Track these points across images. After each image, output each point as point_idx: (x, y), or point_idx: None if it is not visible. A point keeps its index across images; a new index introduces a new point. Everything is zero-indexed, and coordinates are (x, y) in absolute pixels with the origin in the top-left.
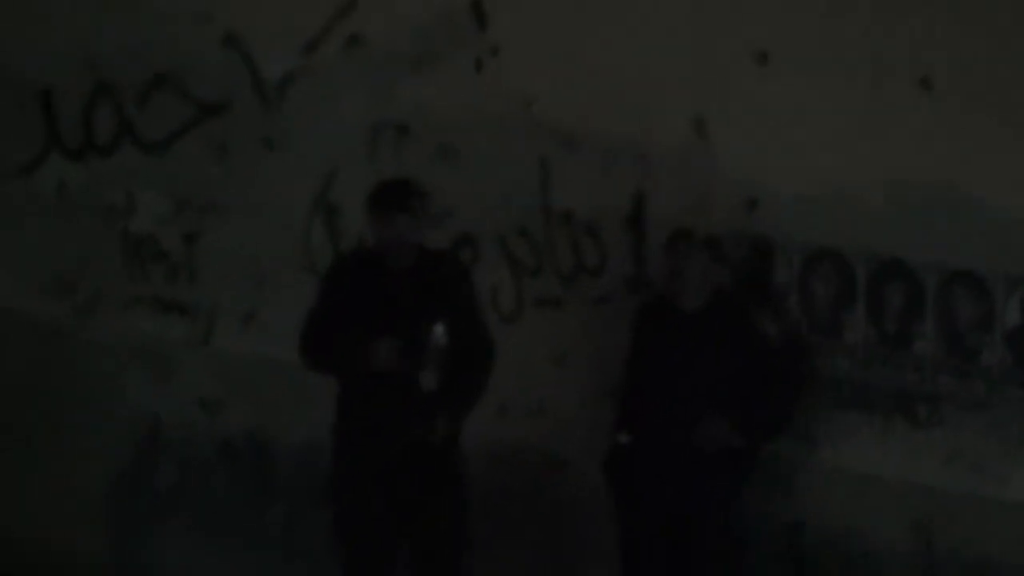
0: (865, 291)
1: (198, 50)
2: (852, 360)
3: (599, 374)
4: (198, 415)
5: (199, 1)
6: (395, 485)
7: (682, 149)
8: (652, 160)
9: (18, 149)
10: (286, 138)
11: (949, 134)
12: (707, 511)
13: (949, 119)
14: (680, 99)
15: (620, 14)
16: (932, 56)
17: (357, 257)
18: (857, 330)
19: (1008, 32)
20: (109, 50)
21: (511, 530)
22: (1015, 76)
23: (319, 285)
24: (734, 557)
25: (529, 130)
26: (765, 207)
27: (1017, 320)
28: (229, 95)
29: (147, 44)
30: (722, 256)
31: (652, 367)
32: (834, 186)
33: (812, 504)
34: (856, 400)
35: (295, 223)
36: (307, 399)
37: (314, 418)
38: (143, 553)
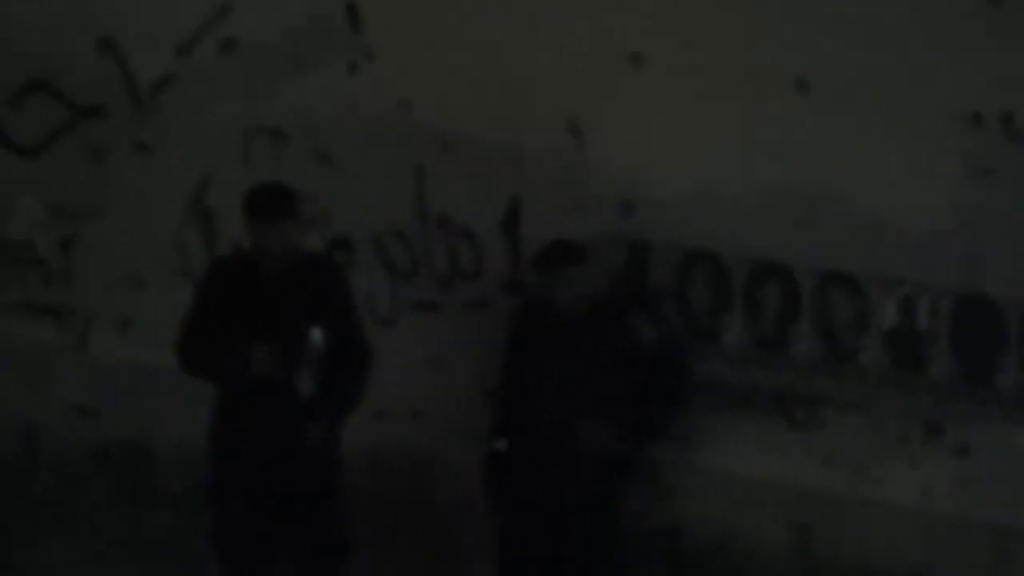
0: (742, 294)
1: (72, 54)
2: (730, 363)
3: (476, 377)
4: (75, 422)
5: (73, 5)
6: (273, 490)
7: (557, 152)
8: (527, 163)
9: None
10: (161, 142)
11: (825, 136)
12: (585, 515)
13: (824, 121)
14: (555, 102)
15: (495, 17)
16: (808, 58)
17: (232, 261)
18: (734, 333)
19: (883, 35)
20: None
21: (389, 532)
22: (889, 78)
23: (195, 290)
24: (613, 561)
25: (405, 134)
26: (641, 210)
27: (894, 321)
28: (103, 99)
29: (21, 49)
30: (596, 263)
31: (530, 371)
32: (710, 188)
33: (691, 507)
34: (734, 403)
35: (170, 227)
36: (185, 404)
37: (192, 424)
38: (21, 560)
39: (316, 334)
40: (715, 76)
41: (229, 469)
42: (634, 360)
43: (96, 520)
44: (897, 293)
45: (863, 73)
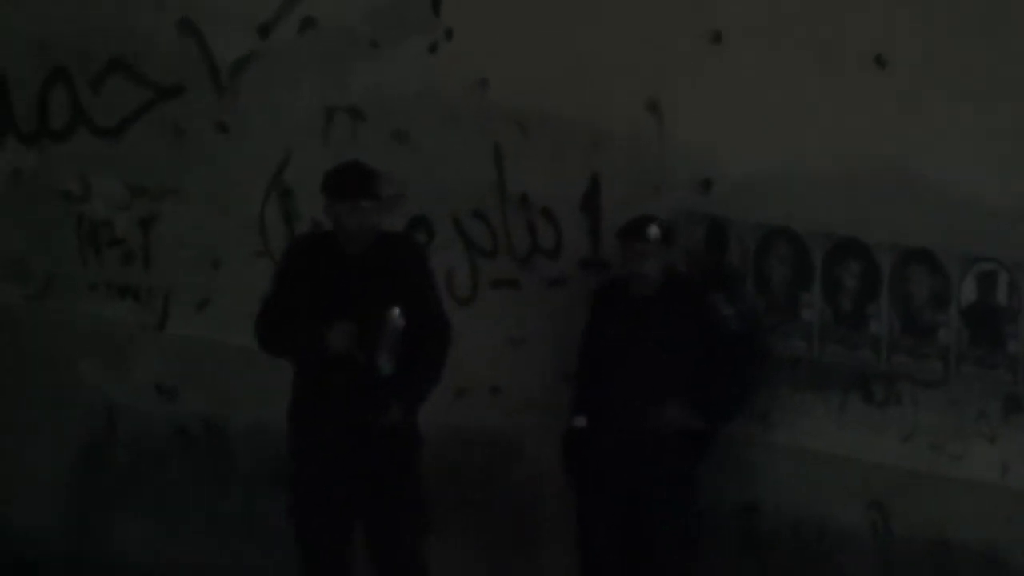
0: (821, 271)
1: (152, 34)
2: (808, 340)
3: (555, 355)
4: (154, 400)
5: None
6: (351, 468)
7: (636, 130)
8: (606, 142)
9: None
10: (240, 122)
11: (903, 112)
12: (663, 492)
13: (903, 97)
14: (633, 80)
15: None
16: (886, 34)
17: (312, 240)
18: (813, 310)
19: (961, 11)
20: (63, 35)
21: (467, 511)
22: (968, 54)
23: (274, 269)
24: (690, 538)
25: (483, 113)
26: (719, 188)
27: (973, 298)
28: (183, 79)
29: (101, 29)
30: (676, 241)
31: (608, 350)
32: (788, 166)
33: (769, 484)
34: (812, 380)
35: (249, 207)
36: (262, 383)
37: (269, 402)
38: (99, 536)
39: (396, 313)
40: (794, 53)
41: (308, 447)
42: (712, 337)
43: (174, 498)
44: (975, 270)
45: (941, 49)
